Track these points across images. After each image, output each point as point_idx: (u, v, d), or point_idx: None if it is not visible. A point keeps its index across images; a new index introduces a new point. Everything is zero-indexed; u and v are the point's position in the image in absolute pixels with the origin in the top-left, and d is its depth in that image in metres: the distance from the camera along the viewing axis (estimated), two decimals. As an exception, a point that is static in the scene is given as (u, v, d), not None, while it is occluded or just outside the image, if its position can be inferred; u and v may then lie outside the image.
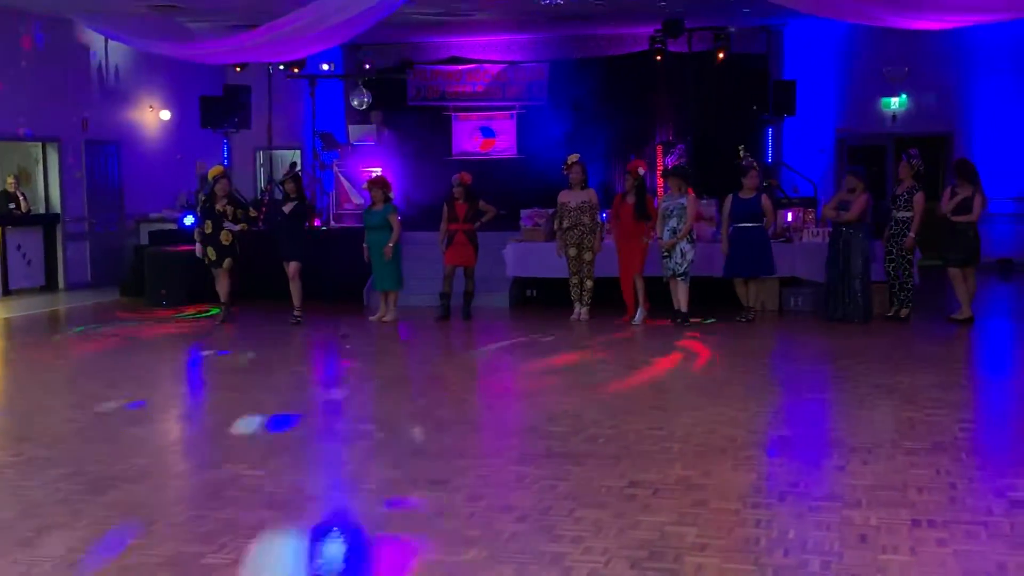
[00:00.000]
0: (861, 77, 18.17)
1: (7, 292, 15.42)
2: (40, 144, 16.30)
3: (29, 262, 16.03)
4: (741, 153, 12.65)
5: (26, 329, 12.85)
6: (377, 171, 16.11)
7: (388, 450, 6.72)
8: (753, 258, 11.84)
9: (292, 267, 12.21)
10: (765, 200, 11.95)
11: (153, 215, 17.58)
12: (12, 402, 8.72)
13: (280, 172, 18.81)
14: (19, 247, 15.78)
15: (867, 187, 11.86)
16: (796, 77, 17.27)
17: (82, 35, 16.71)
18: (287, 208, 12.30)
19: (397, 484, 5.88)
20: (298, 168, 13.11)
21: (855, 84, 18.26)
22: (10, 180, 15.83)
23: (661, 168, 15.92)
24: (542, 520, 5.17)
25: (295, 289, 12.27)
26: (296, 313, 12.29)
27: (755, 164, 12.26)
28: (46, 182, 16.46)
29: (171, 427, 7.83)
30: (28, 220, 15.95)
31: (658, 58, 16.27)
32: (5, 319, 13.47)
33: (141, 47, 16.85)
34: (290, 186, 12.43)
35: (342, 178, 17.30)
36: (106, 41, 17.04)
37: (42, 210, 16.37)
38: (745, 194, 11.90)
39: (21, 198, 15.87)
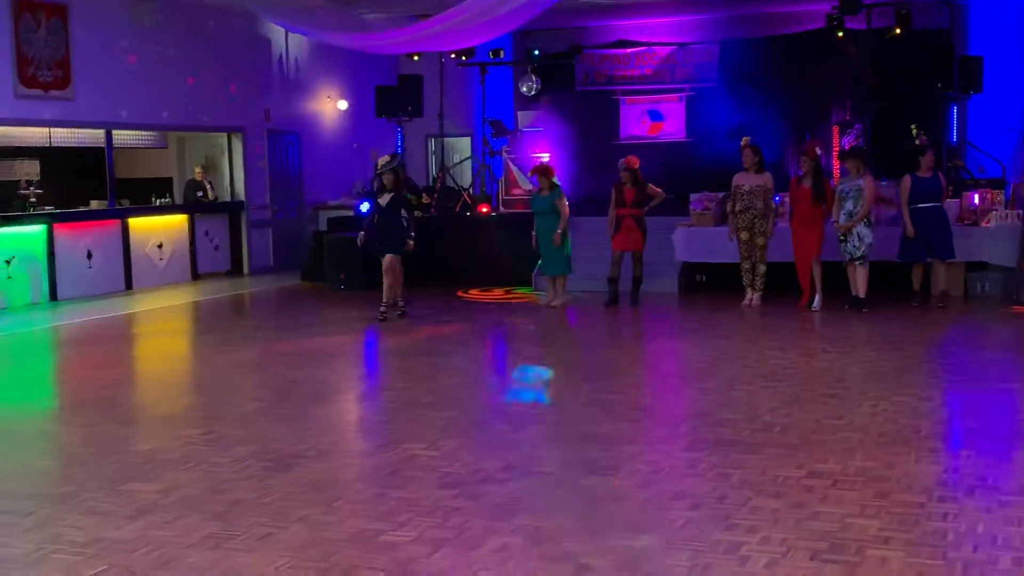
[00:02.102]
0: (1054, 51, 17.16)
1: (196, 276, 16.22)
2: (226, 134, 17.05)
3: (216, 247, 16.82)
4: (914, 131, 12.18)
5: (214, 312, 13.49)
6: (545, 157, 16.21)
7: (560, 434, 6.77)
8: (934, 240, 11.39)
9: (387, 259, 11.67)
10: (943, 179, 11.50)
11: (331, 202, 18.17)
12: (203, 382, 9.18)
13: (453, 159, 19.17)
14: (207, 233, 16.57)
15: None
16: (983, 53, 16.47)
17: (263, 28, 17.36)
18: (384, 200, 11.73)
19: (569, 468, 5.91)
20: (397, 161, 12.19)
21: (1047, 58, 17.26)
22: (198, 170, 16.64)
23: (837, 149, 15.47)
24: (716, 508, 5.12)
25: (387, 283, 11.74)
26: (401, 304, 11.96)
27: (928, 143, 11.83)
28: (231, 171, 17.21)
29: (350, 407, 8.09)
30: (215, 207, 16.73)
31: (840, 35, 15.77)
32: (195, 302, 14.17)
33: (319, 38, 17.41)
34: (388, 177, 11.75)
35: (511, 164, 17.47)
36: (286, 34, 17.67)
37: (228, 198, 17.12)
38: (924, 173, 11.46)
39: (209, 186, 16.66)
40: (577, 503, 5.31)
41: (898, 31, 15.71)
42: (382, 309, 11.73)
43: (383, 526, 4.98)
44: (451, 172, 17.70)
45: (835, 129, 16.57)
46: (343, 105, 19.09)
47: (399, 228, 11.64)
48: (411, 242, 11.64)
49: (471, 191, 16.97)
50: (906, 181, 11.52)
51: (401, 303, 11.97)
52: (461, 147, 20.27)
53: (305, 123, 18.43)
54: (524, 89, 18.29)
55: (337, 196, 18.24)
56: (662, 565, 4.43)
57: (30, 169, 15.07)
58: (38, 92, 13.59)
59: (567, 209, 12.39)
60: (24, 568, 4.59)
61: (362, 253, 12.86)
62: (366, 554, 4.63)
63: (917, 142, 11.67)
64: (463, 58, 17.66)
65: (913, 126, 12.49)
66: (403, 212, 11.69)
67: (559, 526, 4.94)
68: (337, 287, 14.76)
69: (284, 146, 17.99)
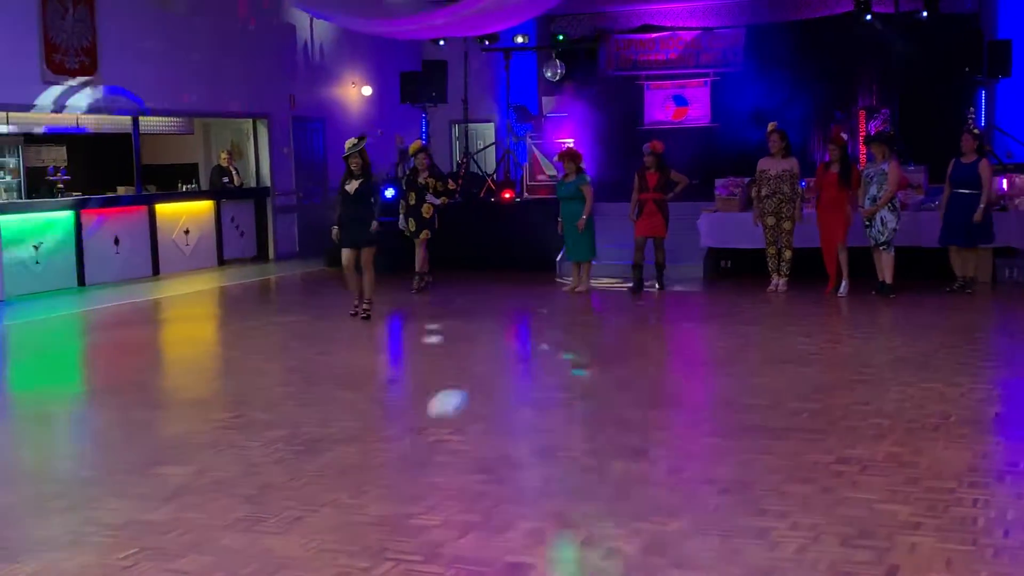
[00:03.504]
0: (1085, 34, 16.95)
1: (222, 262, 16.30)
2: (251, 120, 17.10)
3: (242, 233, 16.89)
4: (971, 115, 12.09)
5: (240, 297, 13.56)
6: (570, 142, 16.18)
7: (586, 419, 6.78)
8: (970, 226, 11.28)
9: (365, 254, 10.61)
10: (983, 166, 11.36)
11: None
12: (231, 367, 9.23)
13: (475, 145, 19.15)
14: (233, 219, 16.64)
15: None
16: (1012, 36, 16.30)
17: (288, 14, 17.39)
18: (351, 187, 10.56)
19: (596, 453, 5.92)
20: (365, 142, 10.75)
21: (1078, 42, 17.04)
22: (224, 155, 16.70)
23: (863, 134, 15.37)
24: (746, 493, 5.11)
25: (369, 279, 10.76)
26: (366, 306, 10.86)
27: (971, 127, 11.71)
28: (257, 157, 17.28)
29: (377, 391, 8.11)
30: (241, 193, 16.79)
31: (868, 17, 15.64)
32: (221, 287, 14.24)
33: (343, 24, 17.41)
34: (355, 162, 10.53)
35: (535, 150, 17.44)
36: (311, 20, 17.69)
37: (253, 184, 17.18)
38: (964, 159, 11.37)
39: (234, 172, 16.72)
40: (605, 488, 5.32)
41: (925, 14, 15.57)
42: (364, 304, 10.86)
43: (412, 510, 5.00)
44: (475, 158, 17.69)
45: (862, 114, 16.44)
46: (367, 91, 19.12)
47: (370, 218, 10.55)
48: (376, 223, 10.51)
49: (495, 177, 16.97)
50: (950, 165, 11.49)
51: (365, 303, 10.88)
52: (485, 133, 20.26)
53: (330, 109, 18.47)
54: (548, 74, 18.25)
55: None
56: (691, 549, 4.44)
57: (57, 155, 15.19)
58: (65, 78, 13.66)
59: (592, 195, 12.35)
60: (58, 550, 4.63)
61: (398, 237, 12.86)
62: (395, 537, 4.66)
63: (974, 130, 11.56)
64: (487, 43, 17.63)
65: (971, 109, 12.42)
66: (374, 197, 10.68)
67: (587, 510, 4.95)
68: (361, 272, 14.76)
69: (309, 132, 18.04)
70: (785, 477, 5.33)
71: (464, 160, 17.44)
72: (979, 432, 6.22)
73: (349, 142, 10.70)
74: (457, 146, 20.42)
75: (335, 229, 10.68)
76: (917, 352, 8.50)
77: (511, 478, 5.56)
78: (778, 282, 12.04)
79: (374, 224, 10.45)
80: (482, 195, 16.17)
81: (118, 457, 6.14)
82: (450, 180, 13.85)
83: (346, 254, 10.65)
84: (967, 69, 15.69)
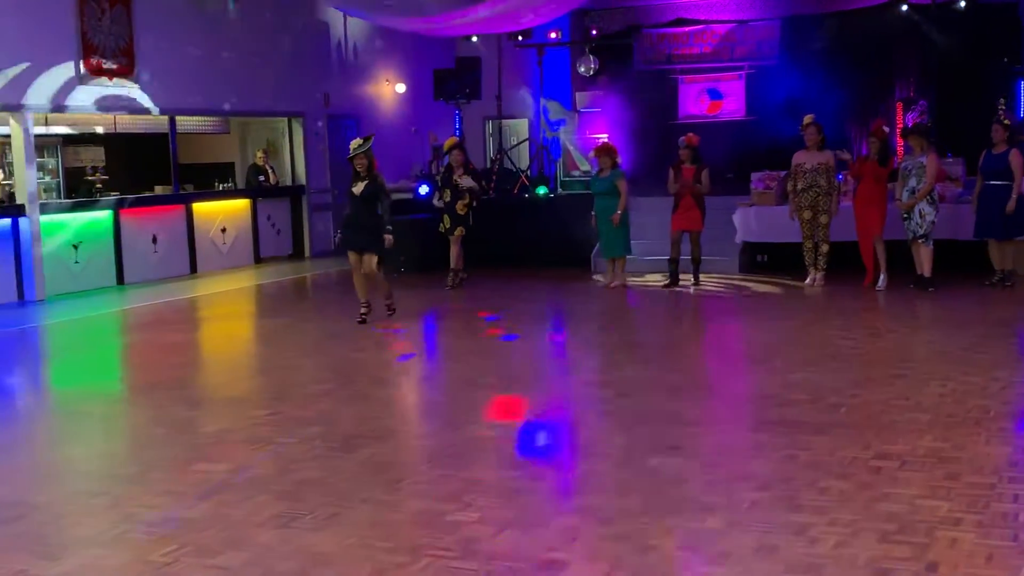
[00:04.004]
0: None
1: (259, 260, 16.40)
2: (286, 119, 17.19)
3: (278, 231, 16.99)
4: (1002, 104, 11.93)
5: (277, 295, 13.64)
6: (604, 137, 16.14)
7: (621, 415, 6.76)
8: (1004, 218, 11.11)
9: (367, 260, 10.14)
10: (1013, 156, 11.17)
11: (389, 185, 18.21)
12: (267, 364, 9.28)
13: (509, 142, 19.14)
14: (269, 217, 16.75)
15: None
16: (1052, 25, 16.08)
17: (322, 13, 17.47)
18: (357, 189, 10.14)
19: (632, 449, 5.90)
20: (372, 140, 10.30)
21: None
22: (259, 154, 16.81)
23: (901, 126, 15.22)
24: (783, 490, 5.07)
25: (379, 283, 10.42)
26: (388, 302, 10.61)
27: (1002, 117, 11.54)
28: (292, 155, 17.36)
29: (412, 388, 8.14)
30: (277, 192, 16.89)
31: (905, 8, 15.50)
32: (258, 285, 14.34)
33: (376, 22, 17.46)
34: (360, 162, 10.09)
35: (569, 145, 17.44)
36: (345, 18, 17.75)
37: (289, 182, 17.28)
38: (995, 149, 11.21)
39: (270, 171, 16.83)
40: (642, 483, 5.30)
41: (963, 4, 15.42)
42: (386, 302, 10.59)
43: (448, 506, 5.01)
44: (509, 154, 17.68)
45: (899, 106, 16.29)
46: (401, 88, 19.17)
47: (376, 222, 10.08)
48: (389, 236, 10.03)
49: (529, 173, 16.96)
50: (981, 156, 11.36)
51: (386, 300, 10.61)
52: (519, 129, 20.24)
53: (364, 107, 18.53)
54: (582, 70, 18.21)
55: (396, 180, 18.29)
56: (729, 546, 4.41)
57: (95, 155, 15.35)
58: (103, 79, 13.79)
59: (627, 190, 12.29)
60: (98, 547, 4.68)
61: (433, 234, 12.87)
62: (432, 534, 4.67)
63: (1005, 120, 11.39)
64: (520, 39, 17.62)
65: (1002, 99, 12.25)
66: (381, 201, 10.15)
67: (624, 506, 4.93)
68: (396, 270, 14.82)
69: (344, 130, 18.09)
70: (823, 473, 5.29)
71: (498, 157, 17.43)
72: (1020, 427, 6.15)
73: (354, 142, 10.32)
74: (491, 142, 20.42)
75: (338, 234, 10.37)
76: (956, 346, 8.41)
77: (547, 474, 5.55)
78: (815, 276, 11.95)
79: (388, 239, 10.02)
80: (516, 192, 16.15)
81: (157, 454, 6.20)
82: (483, 181, 13.85)
83: (352, 256, 10.37)
84: (1005, 59, 15.51)
